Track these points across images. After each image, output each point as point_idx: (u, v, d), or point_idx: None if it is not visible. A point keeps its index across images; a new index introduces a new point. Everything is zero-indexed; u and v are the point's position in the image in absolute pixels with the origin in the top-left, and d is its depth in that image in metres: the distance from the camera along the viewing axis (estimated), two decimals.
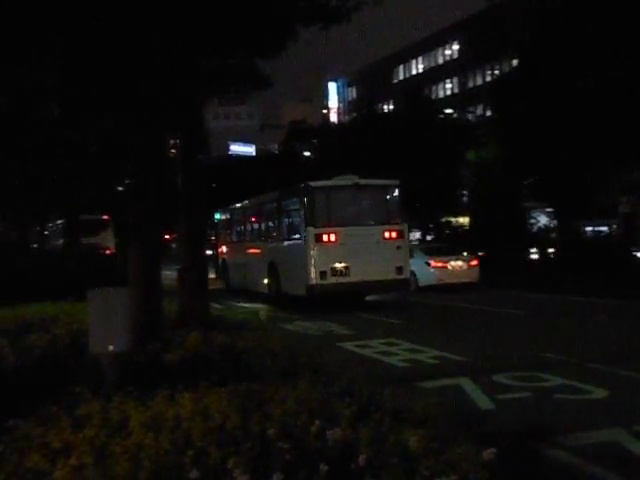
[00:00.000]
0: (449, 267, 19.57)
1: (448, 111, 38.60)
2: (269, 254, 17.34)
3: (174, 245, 50.26)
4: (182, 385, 4.57)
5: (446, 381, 7.29)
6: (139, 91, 7.51)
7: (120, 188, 33.29)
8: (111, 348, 5.38)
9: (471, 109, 45.29)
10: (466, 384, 7.15)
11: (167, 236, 55.29)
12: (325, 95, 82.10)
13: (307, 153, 46.05)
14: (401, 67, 67.43)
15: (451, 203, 33.62)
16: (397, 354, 9.25)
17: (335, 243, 14.98)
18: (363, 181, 15.83)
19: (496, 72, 49.71)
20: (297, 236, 15.64)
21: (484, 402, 6.42)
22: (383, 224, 15.52)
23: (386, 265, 15.17)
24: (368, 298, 17.28)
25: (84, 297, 5.82)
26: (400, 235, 15.56)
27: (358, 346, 10.01)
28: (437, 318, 13.80)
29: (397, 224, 15.62)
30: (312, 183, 15.44)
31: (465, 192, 35.77)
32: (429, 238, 35.74)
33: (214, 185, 45.79)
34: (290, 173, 41.54)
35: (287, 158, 45.55)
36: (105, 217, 30.32)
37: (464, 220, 36.35)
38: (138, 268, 7.61)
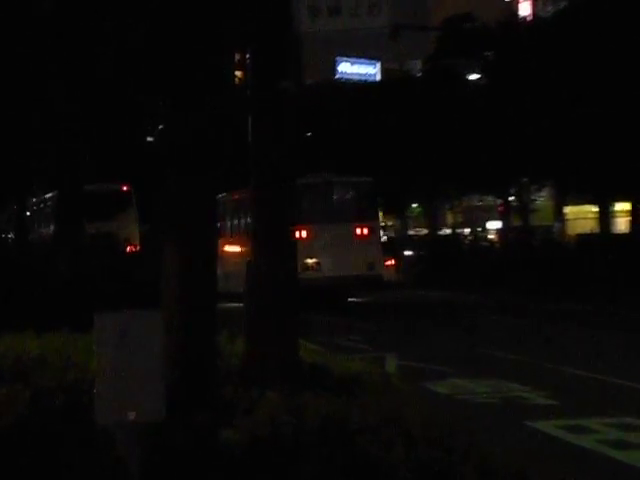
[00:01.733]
0: None
1: None
2: (247, 253, 25.20)
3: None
4: None
5: None
6: None
7: (149, 139, 34.50)
8: (132, 417, 5.54)
9: None
10: None
11: None
12: None
13: (474, 76, 45.52)
14: None
15: None
16: None
17: (306, 239, 24.70)
18: (336, 178, 26.97)
19: None
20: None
21: None
22: (355, 221, 26.18)
23: (358, 261, 25.49)
24: None
25: (88, 326, 6.01)
26: (372, 232, 26.54)
27: (566, 428, 9.85)
28: None
29: (369, 221, 26.52)
30: None
31: None
32: None
33: (309, 133, 46.29)
34: (442, 111, 41.20)
35: (437, 84, 45.25)
36: (124, 187, 31.42)
37: None
38: (178, 278, 7.79)
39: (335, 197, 27.23)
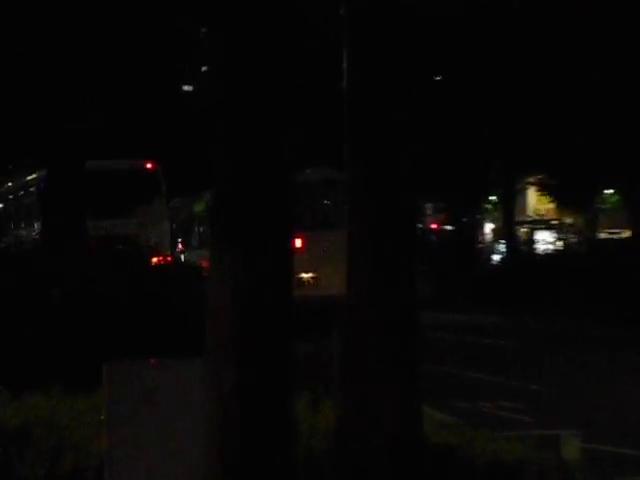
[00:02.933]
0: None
1: None
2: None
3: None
4: None
5: None
6: None
7: (187, 88, 35.03)
8: None
9: None
10: None
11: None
12: None
13: None
14: None
15: None
16: None
17: (300, 250, 30.06)
18: (339, 176, 30.54)
19: None
20: None
21: None
22: None
23: None
24: None
25: (93, 382, 6.09)
26: None
27: None
28: None
29: None
30: None
31: None
32: None
33: (439, 77, 46.52)
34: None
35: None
36: (149, 165, 31.84)
37: None
38: (231, 310, 7.81)
39: (337, 198, 32.40)
